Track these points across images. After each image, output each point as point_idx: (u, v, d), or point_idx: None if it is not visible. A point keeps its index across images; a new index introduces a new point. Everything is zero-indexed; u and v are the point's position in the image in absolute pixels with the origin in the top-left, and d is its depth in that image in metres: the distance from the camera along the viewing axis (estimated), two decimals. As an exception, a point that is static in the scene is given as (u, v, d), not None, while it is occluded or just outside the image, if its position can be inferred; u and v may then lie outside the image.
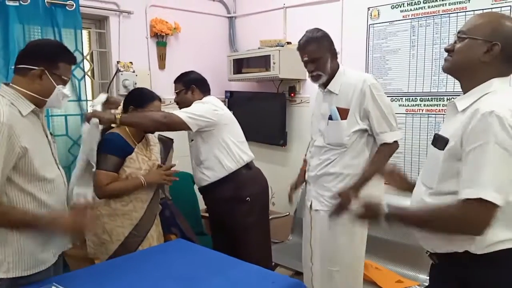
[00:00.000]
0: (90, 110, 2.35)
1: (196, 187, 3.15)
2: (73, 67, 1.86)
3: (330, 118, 2.22)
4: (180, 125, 2.35)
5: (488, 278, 1.33)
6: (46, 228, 1.66)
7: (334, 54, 2.22)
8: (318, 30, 2.21)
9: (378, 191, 2.21)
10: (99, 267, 1.95)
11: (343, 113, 2.18)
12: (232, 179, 2.54)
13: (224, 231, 2.67)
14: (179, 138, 2.65)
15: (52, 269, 1.77)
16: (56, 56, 1.68)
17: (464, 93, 1.38)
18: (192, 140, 2.58)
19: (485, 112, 1.23)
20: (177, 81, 2.67)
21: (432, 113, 2.80)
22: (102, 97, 2.35)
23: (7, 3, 2.51)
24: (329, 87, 2.23)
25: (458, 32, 1.38)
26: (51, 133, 1.85)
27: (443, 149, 1.33)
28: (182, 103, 2.58)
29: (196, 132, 2.45)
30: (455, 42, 1.39)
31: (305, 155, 2.50)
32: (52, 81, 1.66)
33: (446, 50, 1.42)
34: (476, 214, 1.24)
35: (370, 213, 1.45)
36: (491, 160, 1.22)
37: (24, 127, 1.60)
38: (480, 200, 1.21)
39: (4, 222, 1.59)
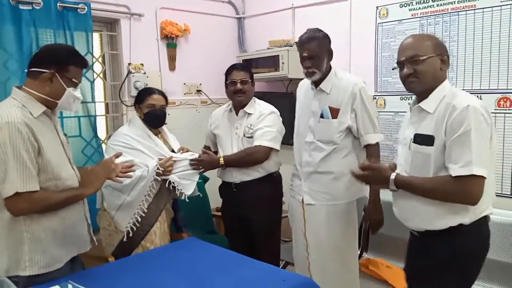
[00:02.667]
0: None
1: (206, 186, 3.20)
2: (84, 70, 1.90)
3: (322, 116, 2.34)
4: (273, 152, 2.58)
5: (471, 244, 1.64)
6: (87, 191, 1.79)
7: (330, 55, 2.33)
8: (319, 30, 2.32)
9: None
10: (112, 265, 1.99)
11: (334, 112, 2.31)
12: (273, 177, 2.67)
13: (244, 232, 2.67)
14: (186, 135, 2.67)
15: (68, 267, 1.81)
16: (66, 60, 1.72)
17: (423, 97, 1.69)
18: (250, 137, 2.58)
19: (463, 106, 1.55)
20: (246, 70, 2.67)
21: (442, 111, 2.80)
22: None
23: (21, 7, 2.56)
24: (321, 86, 2.34)
25: (411, 58, 1.67)
26: (65, 134, 1.89)
27: (432, 145, 1.61)
28: (249, 93, 2.62)
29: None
30: (406, 67, 1.68)
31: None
32: (63, 83, 1.70)
33: (408, 75, 1.68)
34: (472, 187, 1.54)
35: (378, 177, 1.71)
36: (475, 143, 1.52)
37: (36, 127, 1.66)
38: (472, 175, 1.51)
39: (48, 205, 1.68)
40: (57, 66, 1.70)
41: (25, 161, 1.58)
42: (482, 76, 2.63)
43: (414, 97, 1.81)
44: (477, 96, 2.63)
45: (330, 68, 2.34)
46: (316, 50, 2.26)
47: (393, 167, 1.81)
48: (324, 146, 2.35)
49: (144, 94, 2.46)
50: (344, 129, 2.31)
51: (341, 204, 2.38)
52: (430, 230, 1.68)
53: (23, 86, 1.72)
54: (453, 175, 1.54)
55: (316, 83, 2.37)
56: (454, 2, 2.69)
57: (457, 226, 1.62)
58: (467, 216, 1.61)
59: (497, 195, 1.83)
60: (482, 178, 1.52)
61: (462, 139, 1.53)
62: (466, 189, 1.55)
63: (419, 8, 2.85)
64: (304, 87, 2.52)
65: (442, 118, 1.60)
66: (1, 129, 1.57)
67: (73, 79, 1.73)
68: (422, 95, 1.71)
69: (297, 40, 3.41)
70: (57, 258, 1.75)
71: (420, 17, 2.85)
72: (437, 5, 2.77)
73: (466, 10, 2.65)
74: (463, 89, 2.68)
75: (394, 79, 2.98)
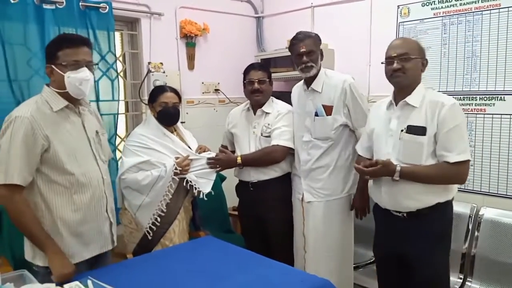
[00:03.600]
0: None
1: (223, 185, 3.21)
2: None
3: (316, 114, 2.44)
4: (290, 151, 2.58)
5: (451, 214, 2.01)
6: (47, 248, 1.70)
7: (321, 55, 2.46)
8: (310, 32, 2.49)
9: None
10: (131, 263, 2.02)
11: (328, 109, 2.42)
12: (290, 177, 2.67)
13: (260, 231, 2.66)
14: (204, 134, 2.66)
15: (90, 264, 1.84)
16: (54, 48, 1.74)
17: (404, 94, 1.96)
18: (267, 136, 2.58)
19: (451, 103, 1.87)
20: (264, 69, 2.67)
21: (465, 112, 2.72)
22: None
23: (44, 6, 2.60)
24: (313, 85, 2.45)
25: (402, 55, 1.92)
26: (96, 132, 1.90)
27: (424, 135, 1.88)
28: (266, 92, 2.62)
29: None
30: (396, 63, 1.92)
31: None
32: (59, 72, 1.72)
33: (397, 69, 1.93)
34: (465, 170, 1.90)
35: (386, 170, 1.92)
36: (464, 134, 1.88)
37: (51, 121, 1.71)
38: (466, 161, 1.86)
39: (17, 217, 1.67)
40: (49, 59, 1.74)
41: (21, 154, 1.63)
42: (506, 77, 2.57)
43: (389, 97, 2.06)
44: (501, 98, 2.58)
45: (320, 68, 2.46)
46: (312, 45, 2.39)
47: None
48: (322, 144, 2.45)
49: (156, 92, 2.46)
50: (339, 125, 2.41)
51: (338, 199, 2.48)
52: (421, 209, 1.94)
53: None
54: (452, 161, 1.85)
55: (308, 84, 2.47)
56: (478, 1, 2.64)
57: (444, 202, 1.95)
58: (451, 193, 1.97)
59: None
60: (469, 161, 1.89)
61: (456, 131, 1.86)
62: (461, 172, 1.90)
63: (442, 7, 2.80)
64: (297, 91, 2.63)
65: (432, 112, 1.89)
66: (10, 123, 1.65)
67: (63, 63, 1.72)
68: (403, 92, 1.97)
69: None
70: (73, 252, 1.78)
71: (442, 16, 2.80)
72: (460, 4, 2.72)
73: (490, 9, 2.59)
74: (486, 90, 2.64)
75: (415, 79, 2.94)
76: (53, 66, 1.72)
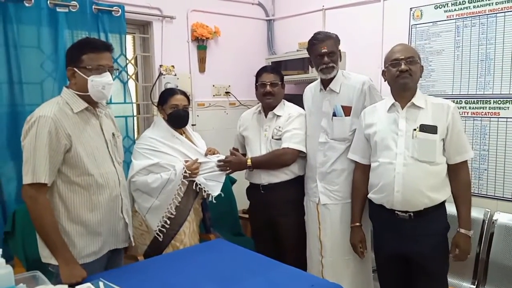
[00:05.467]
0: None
1: (233, 187, 3.20)
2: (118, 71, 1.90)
3: (334, 114, 2.41)
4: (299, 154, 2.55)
5: (446, 210, 2.09)
6: (59, 255, 1.71)
7: (340, 56, 2.45)
8: (330, 32, 2.44)
9: None
10: (142, 265, 2.02)
11: (347, 110, 2.39)
12: (301, 180, 2.63)
13: (271, 234, 2.65)
14: (214, 137, 2.66)
15: (104, 262, 1.86)
16: (78, 52, 1.76)
17: (409, 97, 2.06)
18: (278, 139, 2.58)
19: (454, 106, 2.03)
20: (276, 72, 2.66)
21: (478, 116, 2.71)
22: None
23: (58, 10, 2.63)
24: (331, 86, 2.42)
25: (409, 58, 2.01)
26: (113, 134, 1.93)
27: (436, 133, 1.99)
28: (278, 95, 2.61)
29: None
30: (404, 65, 2.00)
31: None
32: (82, 75, 1.74)
33: (404, 70, 2.00)
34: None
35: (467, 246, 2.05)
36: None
37: (72, 122, 1.73)
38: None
39: (37, 217, 1.68)
40: (73, 61, 1.76)
41: (46, 153, 1.65)
42: (520, 80, 2.54)
43: (387, 100, 2.14)
44: (516, 101, 2.56)
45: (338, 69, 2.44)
46: (333, 46, 2.36)
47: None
48: (339, 145, 2.41)
49: (166, 95, 2.47)
50: (356, 129, 2.35)
51: None
52: (428, 207, 2.01)
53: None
54: (468, 158, 2.04)
55: (325, 85, 2.44)
56: (492, 3, 2.61)
57: (444, 200, 2.06)
58: (449, 190, 2.06)
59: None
60: None
61: (462, 134, 2.04)
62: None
63: (455, 10, 2.77)
64: (311, 91, 2.60)
65: (439, 113, 2.01)
66: (33, 123, 1.67)
67: (88, 66, 1.74)
68: (407, 94, 2.06)
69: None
70: (87, 252, 1.80)
71: (455, 19, 2.77)
72: (474, 7, 2.69)
73: (504, 12, 2.56)
74: (500, 93, 2.61)
75: (428, 82, 2.91)
76: (75, 69, 1.74)
